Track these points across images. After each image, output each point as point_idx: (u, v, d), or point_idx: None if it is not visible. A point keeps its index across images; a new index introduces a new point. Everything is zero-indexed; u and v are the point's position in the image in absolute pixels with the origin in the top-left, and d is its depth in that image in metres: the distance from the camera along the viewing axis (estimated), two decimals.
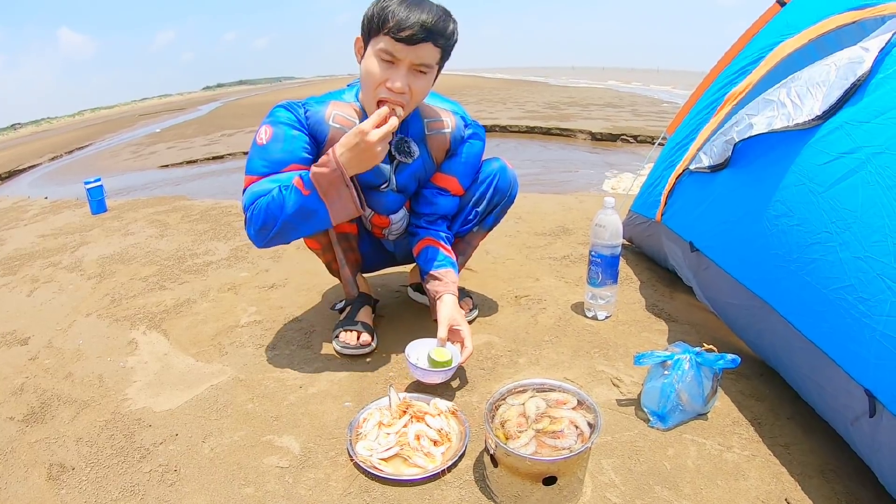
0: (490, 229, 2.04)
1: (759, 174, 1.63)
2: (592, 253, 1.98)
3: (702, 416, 1.51)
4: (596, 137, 9.23)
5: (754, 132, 1.62)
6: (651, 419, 1.49)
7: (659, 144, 2.86)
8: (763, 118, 1.60)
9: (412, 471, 1.34)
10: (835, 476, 1.29)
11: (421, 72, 1.55)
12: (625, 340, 1.91)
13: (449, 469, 1.35)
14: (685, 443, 1.42)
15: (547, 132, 9.96)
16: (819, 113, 1.41)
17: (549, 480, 1.19)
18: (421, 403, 1.53)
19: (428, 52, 1.52)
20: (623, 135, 8.90)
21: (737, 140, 1.71)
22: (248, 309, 2.26)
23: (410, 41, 1.47)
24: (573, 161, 7.48)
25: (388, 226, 1.92)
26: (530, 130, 10.17)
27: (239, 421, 1.56)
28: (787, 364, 1.52)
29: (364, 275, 2.11)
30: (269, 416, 1.57)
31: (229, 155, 9.32)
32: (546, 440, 1.22)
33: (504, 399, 1.35)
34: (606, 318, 2.06)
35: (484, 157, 1.92)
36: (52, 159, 12.46)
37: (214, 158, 9.31)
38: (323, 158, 1.50)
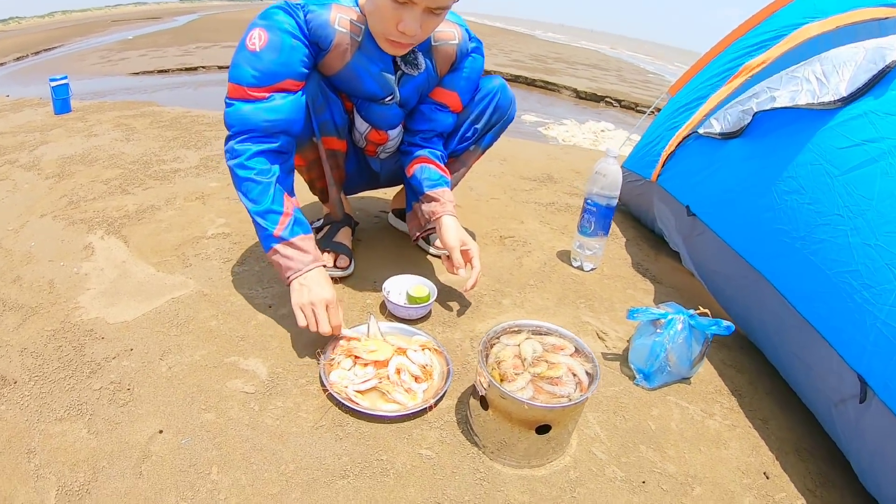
0: (486, 149, 1.94)
1: (774, 148, 1.60)
2: (588, 201, 1.95)
3: (685, 380, 1.51)
4: (580, 96, 9.23)
5: (777, 105, 1.58)
6: (637, 376, 1.48)
7: (651, 113, 2.89)
8: (786, 92, 1.57)
9: (391, 407, 1.26)
10: (808, 456, 1.33)
11: (435, 13, 1.39)
12: (610, 294, 1.89)
13: (431, 408, 1.27)
14: (669, 405, 1.42)
15: (531, 83, 9.90)
16: (845, 94, 1.38)
17: (543, 429, 1.12)
18: (404, 336, 1.44)
19: None
20: (608, 97, 8.89)
21: (756, 111, 1.67)
22: (217, 220, 2.11)
23: None
24: (556, 115, 7.37)
25: (385, 142, 1.78)
26: (514, 79, 10.08)
27: (201, 339, 1.45)
28: (773, 339, 1.52)
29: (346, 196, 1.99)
30: (234, 336, 1.47)
31: (203, 67, 8.98)
32: (544, 386, 1.13)
33: (498, 338, 1.26)
34: (592, 269, 2.04)
35: None
36: (18, 59, 11.90)
37: (188, 70, 8.97)
38: (291, 260, 1.40)
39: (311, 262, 1.40)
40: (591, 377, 1.16)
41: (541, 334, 1.28)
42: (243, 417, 1.21)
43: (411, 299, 1.61)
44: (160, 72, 8.84)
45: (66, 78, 3.80)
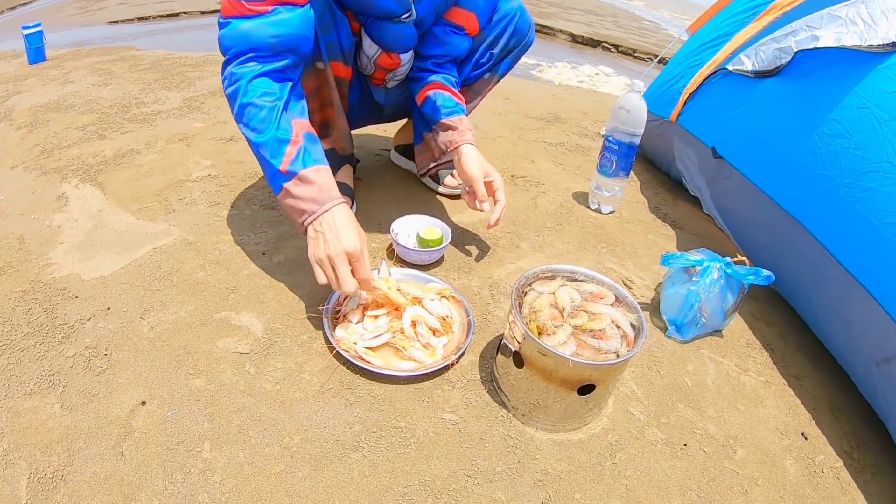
0: (502, 77, 1.78)
1: (815, 88, 1.52)
2: (610, 139, 1.86)
3: (717, 332, 1.46)
4: (577, 40, 9.06)
5: (820, 45, 1.51)
6: (669, 328, 1.41)
7: (659, 62, 2.86)
8: (830, 33, 1.49)
9: (407, 365, 1.14)
10: (842, 415, 1.30)
11: None
12: (632, 240, 1.82)
13: (452, 365, 1.16)
14: (703, 359, 1.38)
15: None
16: (895, 39, 1.32)
17: (586, 389, 0.99)
18: (417, 283, 1.32)
19: None
20: (604, 42, 8.70)
21: (796, 49, 1.59)
22: (202, 162, 1.96)
23: None
24: (552, 57, 7.19)
25: (396, 68, 1.60)
26: None
27: (187, 292, 1.33)
28: (808, 291, 1.47)
29: None
30: (224, 288, 1.35)
31: (185, 13, 8.69)
32: (587, 339, 1.00)
33: (530, 285, 1.12)
34: (610, 212, 1.97)
35: None
36: None
37: (169, 16, 8.69)
38: (303, 201, 1.17)
39: (326, 199, 1.17)
40: (637, 330, 1.04)
41: (577, 280, 1.14)
42: (238, 382, 1.10)
43: (423, 242, 1.49)
44: (140, 19, 8.56)
45: (39, 25, 3.60)
